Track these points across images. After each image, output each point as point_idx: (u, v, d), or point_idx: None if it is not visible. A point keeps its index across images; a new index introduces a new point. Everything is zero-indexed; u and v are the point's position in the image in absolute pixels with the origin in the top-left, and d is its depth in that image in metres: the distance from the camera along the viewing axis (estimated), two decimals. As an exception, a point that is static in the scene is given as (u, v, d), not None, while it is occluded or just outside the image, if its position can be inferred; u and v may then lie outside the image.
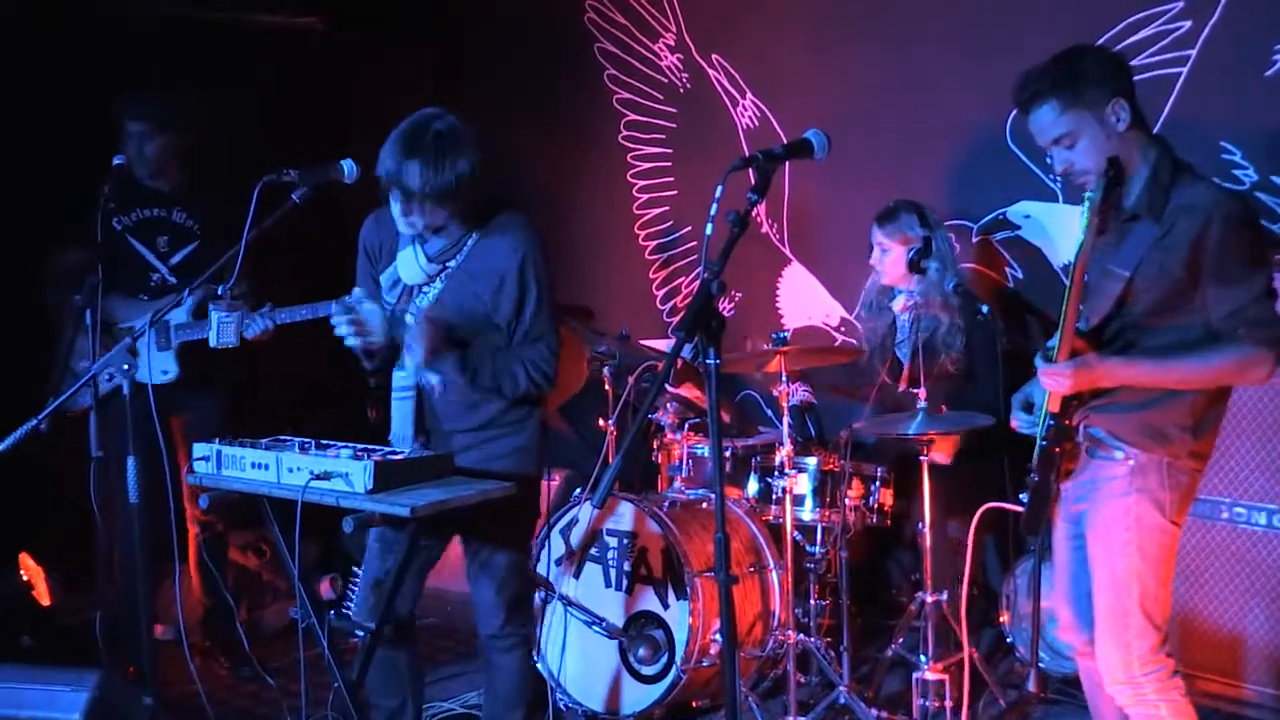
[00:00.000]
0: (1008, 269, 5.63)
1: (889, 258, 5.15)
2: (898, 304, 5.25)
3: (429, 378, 3.86)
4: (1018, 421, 3.59)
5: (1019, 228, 5.55)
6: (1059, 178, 3.44)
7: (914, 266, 5.08)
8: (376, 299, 3.77)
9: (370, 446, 3.72)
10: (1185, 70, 5.00)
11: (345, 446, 3.66)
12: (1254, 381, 3.32)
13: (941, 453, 4.98)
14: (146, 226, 5.16)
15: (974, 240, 5.68)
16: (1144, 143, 3.32)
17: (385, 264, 3.94)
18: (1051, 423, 3.38)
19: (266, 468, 3.59)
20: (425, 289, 3.87)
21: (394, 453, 3.64)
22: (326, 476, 3.47)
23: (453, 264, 3.83)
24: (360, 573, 4.09)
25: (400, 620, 3.95)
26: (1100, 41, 4.99)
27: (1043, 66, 3.32)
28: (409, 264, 3.86)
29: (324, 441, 3.74)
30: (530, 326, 3.81)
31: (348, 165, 3.87)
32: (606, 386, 5.47)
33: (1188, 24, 5.00)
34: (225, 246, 3.95)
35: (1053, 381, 3.31)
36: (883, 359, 5.34)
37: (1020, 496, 3.50)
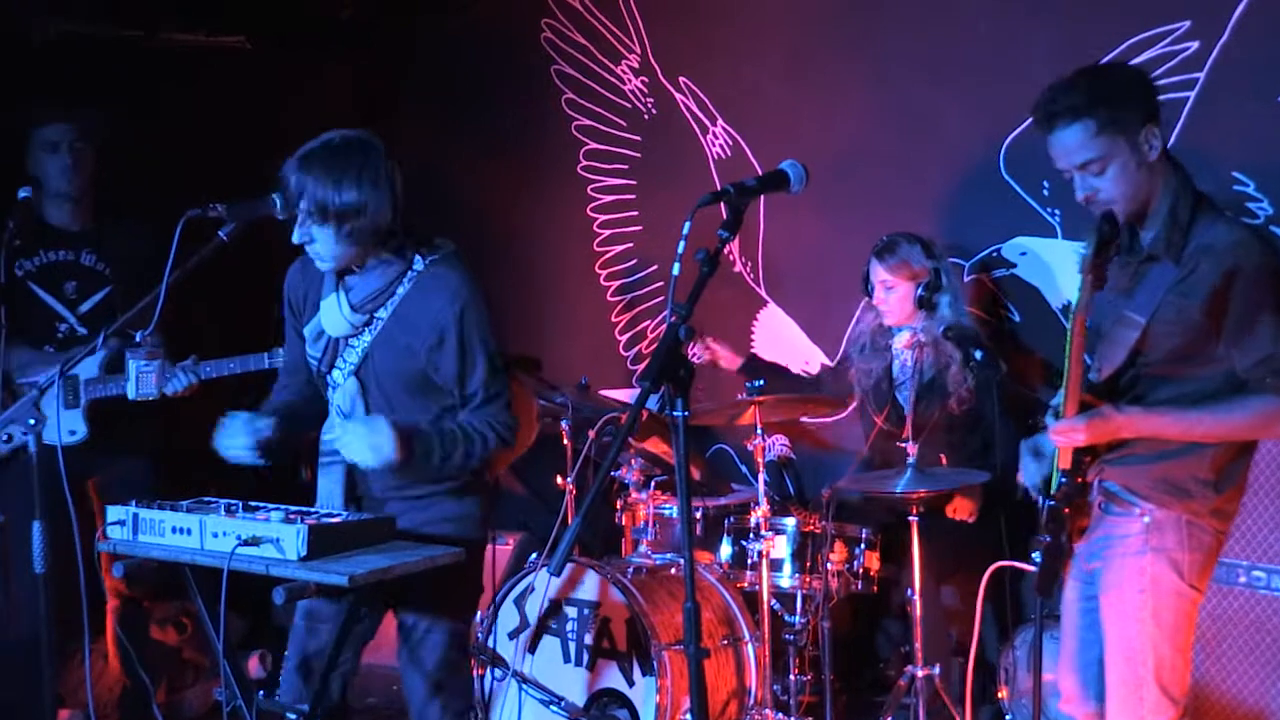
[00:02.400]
0: (1004, 310, 5.67)
1: (894, 295, 5.18)
2: (900, 341, 5.28)
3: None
4: (1026, 470, 3.60)
5: (1015, 265, 5.59)
6: (1083, 203, 3.44)
7: (925, 303, 5.13)
8: (304, 370, 3.78)
9: (304, 509, 3.69)
10: (1193, 94, 5.05)
11: (276, 509, 3.64)
12: (1283, 435, 3.36)
13: (964, 510, 5.01)
14: (52, 272, 5.08)
15: (966, 279, 5.72)
16: (1166, 175, 3.35)
17: (309, 315, 3.90)
18: (1063, 480, 3.39)
19: (188, 532, 3.57)
20: (352, 342, 3.83)
21: (330, 515, 3.62)
22: (255, 542, 3.45)
23: (382, 313, 3.79)
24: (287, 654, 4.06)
25: (334, 704, 3.91)
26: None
27: (1073, 80, 3.32)
28: (332, 313, 3.80)
29: (252, 503, 3.72)
30: (479, 391, 3.78)
31: (279, 199, 3.85)
32: (565, 441, 5.47)
33: (1195, 45, 5.07)
34: (140, 290, 3.89)
35: (1064, 438, 3.33)
36: (879, 405, 5.36)
37: (1033, 556, 3.50)
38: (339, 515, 3.65)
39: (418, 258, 3.79)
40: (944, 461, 5.00)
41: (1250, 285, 3.21)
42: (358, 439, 3.60)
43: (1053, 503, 3.42)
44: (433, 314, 3.73)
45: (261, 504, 3.71)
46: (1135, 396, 3.36)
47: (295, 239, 3.69)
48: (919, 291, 5.13)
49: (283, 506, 3.68)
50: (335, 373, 3.80)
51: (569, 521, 5.21)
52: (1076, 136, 3.31)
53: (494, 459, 3.85)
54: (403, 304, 3.78)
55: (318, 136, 3.67)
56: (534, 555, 5.37)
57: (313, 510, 3.71)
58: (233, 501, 3.72)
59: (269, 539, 3.44)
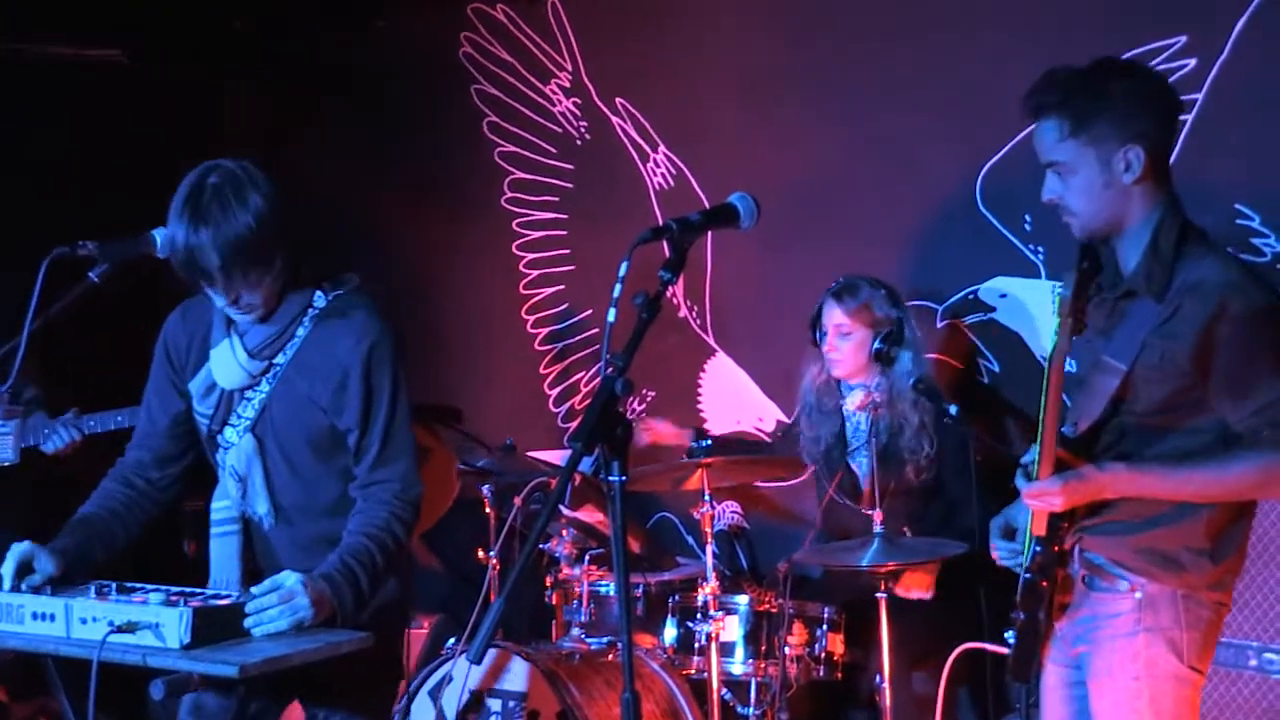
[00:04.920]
0: (981, 360, 5.70)
1: (849, 343, 5.20)
2: (852, 401, 5.30)
3: (258, 507, 3.83)
4: (998, 552, 3.60)
5: (994, 309, 5.63)
6: (1046, 204, 3.47)
7: (882, 357, 5.14)
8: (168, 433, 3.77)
9: (187, 590, 3.63)
10: (1191, 117, 5.11)
11: (155, 589, 3.58)
12: (1284, 493, 3.38)
13: (919, 585, 5.00)
14: None
15: (939, 325, 5.76)
16: (1151, 200, 3.37)
17: (196, 368, 3.85)
18: (1038, 550, 3.39)
19: (52, 618, 3.51)
20: (247, 395, 3.79)
21: (218, 596, 3.57)
22: (131, 628, 3.40)
23: (281, 360, 3.76)
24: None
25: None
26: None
27: (1066, 72, 3.36)
28: (225, 362, 3.77)
29: (128, 584, 3.67)
30: (383, 443, 3.74)
31: (161, 234, 3.82)
32: (487, 509, 5.45)
33: (1193, 62, 5.13)
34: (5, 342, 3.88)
35: (1039, 501, 3.32)
36: (830, 474, 5.37)
37: (1006, 636, 3.50)
38: (229, 595, 3.60)
39: (319, 294, 3.78)
40: (908, 534, 5.01)
41: (1241, 329, 3.22)
42: (275, 612, 3.52)
43: (1028, 575, 3.42)
44: (338, 353, 3.72)
45: (139, 584, 3.66)
46: (1118, 453, 3.37)
47: (223, 303, 3.65)
48: (877, 344, 5.14)
49: (164, 587, 3.63)
50: (228, 431, 3.77)
51: (492, 601, 5.18)
52: (1047, 134, 3.37)
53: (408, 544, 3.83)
54: (304, 347, 3.76)
55: (192, 176, 3.60)
56: (452, 640, 5.34)
57: (199, 591, 3.66)
58: (105, 582, 3.66)
59: (147, 624, 3.37)
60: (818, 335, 5.30)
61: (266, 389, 3.77)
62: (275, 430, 3.77)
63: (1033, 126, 3.42)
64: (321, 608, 3.52)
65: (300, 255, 3.71)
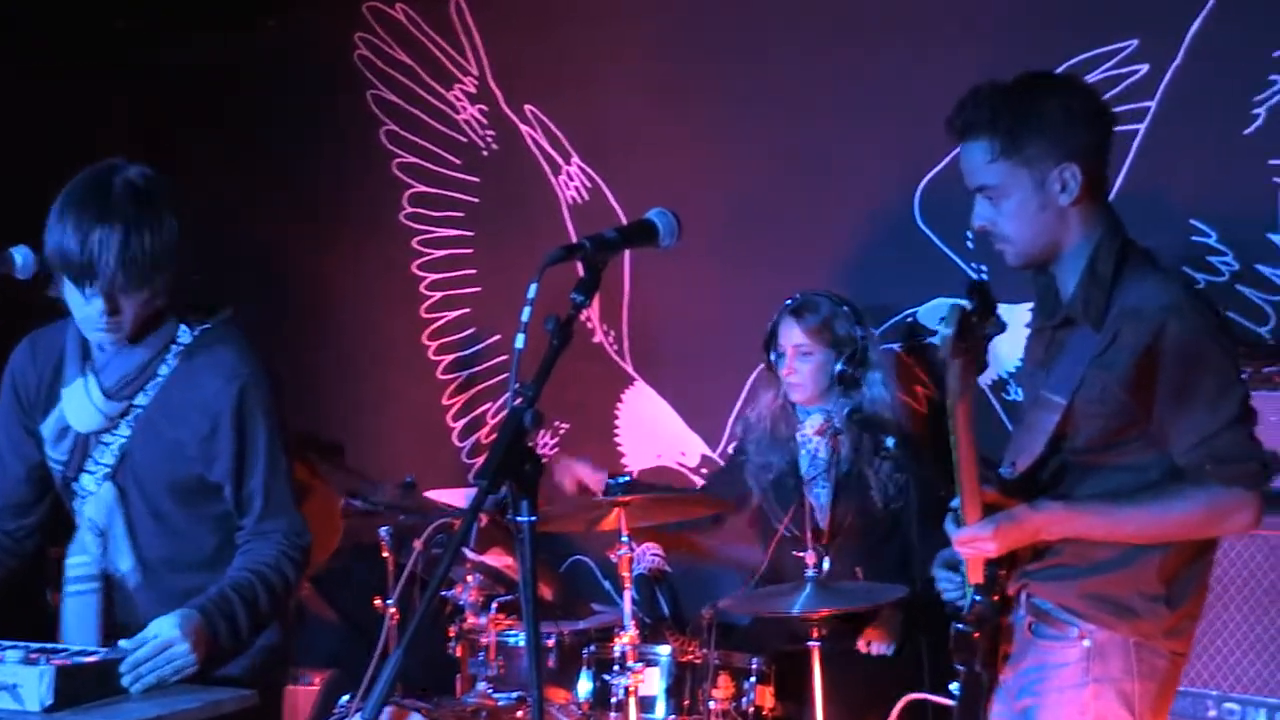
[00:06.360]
0: (920, 389, 5.72)
1: (810, 365, 5.20)
2: (810, 427, 5.29)
3: (120, 564, 3.77)
4: (941, 583, 3.60)
5: (935, 332, 5.64)
6: (977, 232, 3.48)
7: (845, 379, 5.13)
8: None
9: (50, 646, 3.60)
10: (1144, 126, 5.16)
11: (14, 647, 3.54)
12: (1234, 530, 3.39)
13: (880, 638, 4.99)
14: None
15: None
16: (1089, 222, 3.38)
17: (47, 408, 3.79)
18: (977, 599, 3.38)
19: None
20: (105, 439, 3.73)
21: (85, 653, 3.53)
22: (-13, 689, 3.36)
23: (142, 401, 3.71)
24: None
25: None
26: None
27: (991, 89, 3.37)
28: (79, 403, 3.70)
29: (-17, 643, 3.62)
30: (265, 498, 3.72)
31: (20, 254, 3.75)
32: (385, 554, 5.43)
33: (1145, 68, 5.18)
34: None
35: (970, 549, 3.32)
36: (783, 506, 5.35)
37: (951, 688, 3.49)
38: (96, 653, 3.56)
39: (183, 328, 3.73)
40: (860, 576, 5.00)
41: (1181, 356, 3.23)
42: (152, 664, 3.48)
43: (961, 627, 3.42)
44: (204, 398, 3.68)
45: (-4, 641, 3.62)
46: (1057, 493, 3.36)
47: (84, 322, 3.59)
48: (840, 366, 5.13)
49: (23, 644, 3.58)
50: (85, 478, 3.72)
51: (390, 654, 5.14)
52: (976, 156, 3.37)
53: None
54: (168, 387, 3.70)
55: (91, 172, 3.58)
56: (346, 697, 5.35)
57: (63, 648, 3.61)
58: (-43, 640, 3.61)
59: (4, 686, 3.33)
60: (773, 357, 5.28)
61: (127, 432, 3.72)
62: (138, 478, 3.73)
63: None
64: (200, 649, 3.50)
65: (181, 280, 3.66)
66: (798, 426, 5.35)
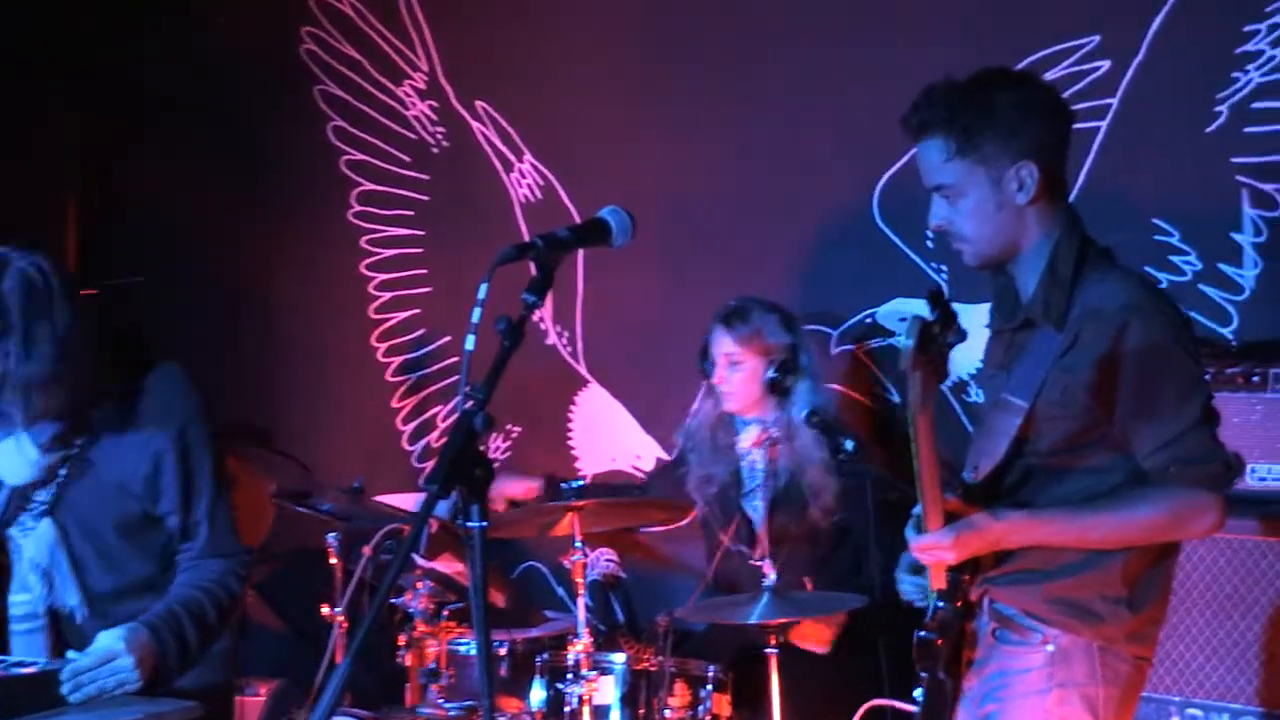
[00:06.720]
0: (879, 390, 5.72)
1: (739, 374, 5.19)
2: (747, 438, 5.29)
3: (68, 600, 3.77)
4: (903, 586, 3.60)
5: (894, 334, 5.65)
6: (934, 232, 3.49)
7: (776, 387, 5.13)
8: None
9: (-12, 657, 3.61)
10: (1105, 124, 5.18)
11: (-50, 658, 3.55)
12: (1198, 534, 3.40)
13: (815, 638, 5.00)
14: None
15: (834, 352, 5.79)
16: (1047, 221, 3.39)
17: None
18: (939, 605, 3.39)
19: None
20: (39, 493, 3.76)
21: (22, 664, 3.54)
22: (-80, 703, 3.34)
23: (78, 451, 3.73)
24: None
25: None
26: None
27: (946, 87, 3.37)
28: (10, 459, 3.70)
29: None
30: (210, 523, 3.77)
31: None
32: (333, 560, 5.40)
33: (1106, 64, 5.20)
34: None
35: (930, 556, 3.33)
36: (725, 519, 5.36)
37: (915, 694, 3.50)
38: (34, 664, 3.56)
39: (127, 373, 3.76)
40: (810, 586, 5.00)
41: (1143, 356, 3.24)
42: (94, 673, 3.49)
43: (924, 634, 3.42)
44: (143, 439, 3.72)
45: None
46: (1019, 499, 3.37)
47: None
48: (770, 373, 5.13)
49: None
50: (23, 516, 3.74)
51: (338, 663, 5.13)
52: (932, 155, 3.39)
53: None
54: (103, 433, 3.74)
55: None
56: (293, 708, 5.28)
57: (1, 659, 3.62)
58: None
59: (-61, 698, 3.33)
60: (706, 366, 5.29)
61: (63, 472, 3.74)
62: (78, 518, 3.76)
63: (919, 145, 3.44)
64: (146, 664, 3.52)
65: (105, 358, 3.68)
66: (735, 439, 5.36)
